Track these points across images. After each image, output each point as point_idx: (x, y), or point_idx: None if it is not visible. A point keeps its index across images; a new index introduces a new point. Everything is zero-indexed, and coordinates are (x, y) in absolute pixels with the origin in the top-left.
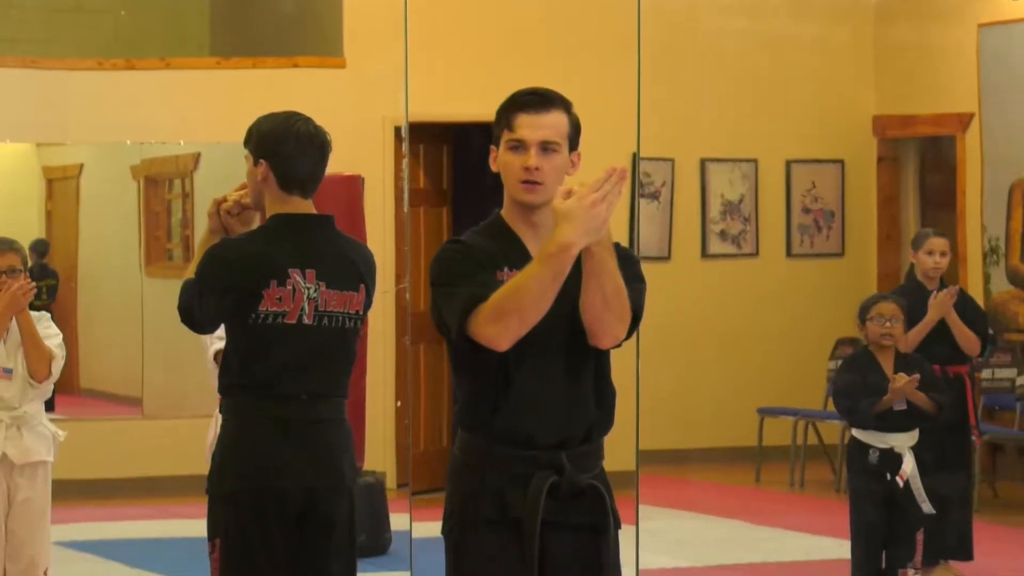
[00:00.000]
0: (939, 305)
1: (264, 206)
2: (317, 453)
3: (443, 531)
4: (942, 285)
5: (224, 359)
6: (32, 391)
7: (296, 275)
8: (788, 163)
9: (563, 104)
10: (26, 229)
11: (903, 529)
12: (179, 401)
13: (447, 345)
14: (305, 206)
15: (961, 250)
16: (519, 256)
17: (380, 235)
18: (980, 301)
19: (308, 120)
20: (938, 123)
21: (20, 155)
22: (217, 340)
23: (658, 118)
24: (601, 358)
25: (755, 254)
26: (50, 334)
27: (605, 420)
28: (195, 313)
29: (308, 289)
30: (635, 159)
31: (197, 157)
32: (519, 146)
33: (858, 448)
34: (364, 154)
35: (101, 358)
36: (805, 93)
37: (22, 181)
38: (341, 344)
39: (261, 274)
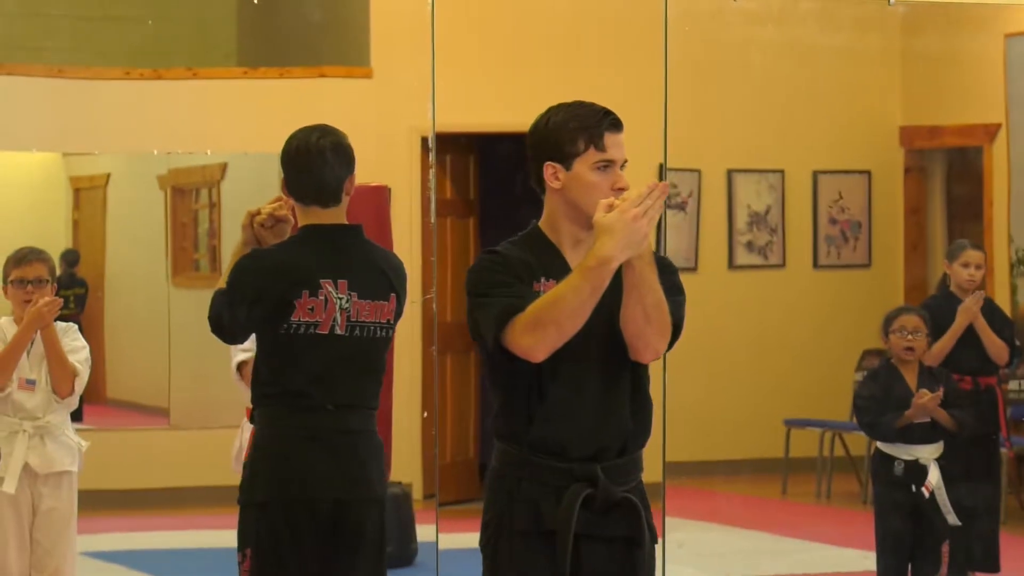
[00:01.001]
0: (966, 311)
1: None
2: (347, 464)
3: (480, 542)
4: None
5: (255, 369)
6: (56, 403)
7: (328, 285)
8: (815, 174)
9: None
10: (53, 239)
11: (929, 541)
12: (206, 411)
13: (482, 355)
14: (332, 216)
15: (988, 261)
16: (558, 267)
17: (407, 245)
18: (1007, 312)
19: (321, 133)
20: (965, 134)
21: (47, 165)
22: (240, 352)
23: (685, 128)
24: (637, 370)
25: (782, 265)
26: (76, 347)
27: (641, 433)
28: (225, 323)
29: (340, 300)
30: (662, 169)
31: (224, 167)
32: (609, 166)
33: (883, 460)
34: (391, 164)
35: (128, 368)
36: (832, 103)
37: (49, 191)
38: (372, 354)
39: (292, 283)
